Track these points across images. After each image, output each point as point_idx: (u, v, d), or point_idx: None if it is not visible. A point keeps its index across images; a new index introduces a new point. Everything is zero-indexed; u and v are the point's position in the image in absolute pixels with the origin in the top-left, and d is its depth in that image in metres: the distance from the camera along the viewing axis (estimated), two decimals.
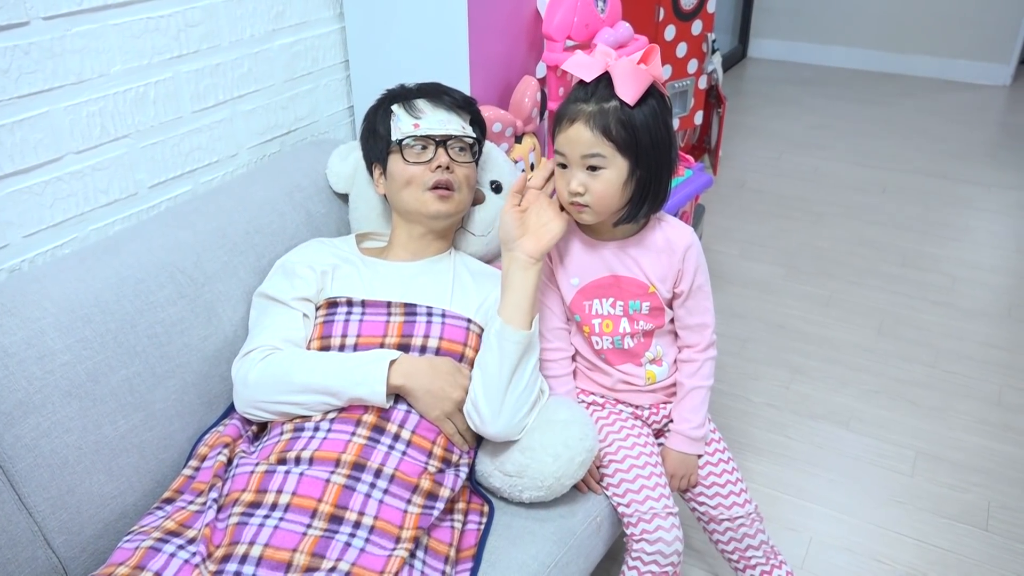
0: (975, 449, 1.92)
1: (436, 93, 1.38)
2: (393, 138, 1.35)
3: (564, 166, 1.20)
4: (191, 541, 1.09)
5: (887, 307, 2.49)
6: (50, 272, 1.21)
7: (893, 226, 2.98)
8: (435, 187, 1.31)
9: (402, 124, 1.34)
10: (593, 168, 1.17)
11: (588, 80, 1.17)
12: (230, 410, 1.32)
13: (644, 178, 1.20)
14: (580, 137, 1.16)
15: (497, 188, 1.53)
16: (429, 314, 1.28)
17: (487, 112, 1.63)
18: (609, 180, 1.17)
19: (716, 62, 3.10)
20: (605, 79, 1.16)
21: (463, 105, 1.39)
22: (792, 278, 2.66)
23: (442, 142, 1.34)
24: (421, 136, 1.33)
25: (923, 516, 1.74)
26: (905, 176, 3.40)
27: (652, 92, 1.17)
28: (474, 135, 1.39)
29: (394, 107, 1.37)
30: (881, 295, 2.55)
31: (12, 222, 1.25)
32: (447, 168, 1.32)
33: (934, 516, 1.74)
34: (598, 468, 1.30)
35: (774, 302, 2.53)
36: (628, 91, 1.14)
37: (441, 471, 1.19)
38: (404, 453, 1.16)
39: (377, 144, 1.40)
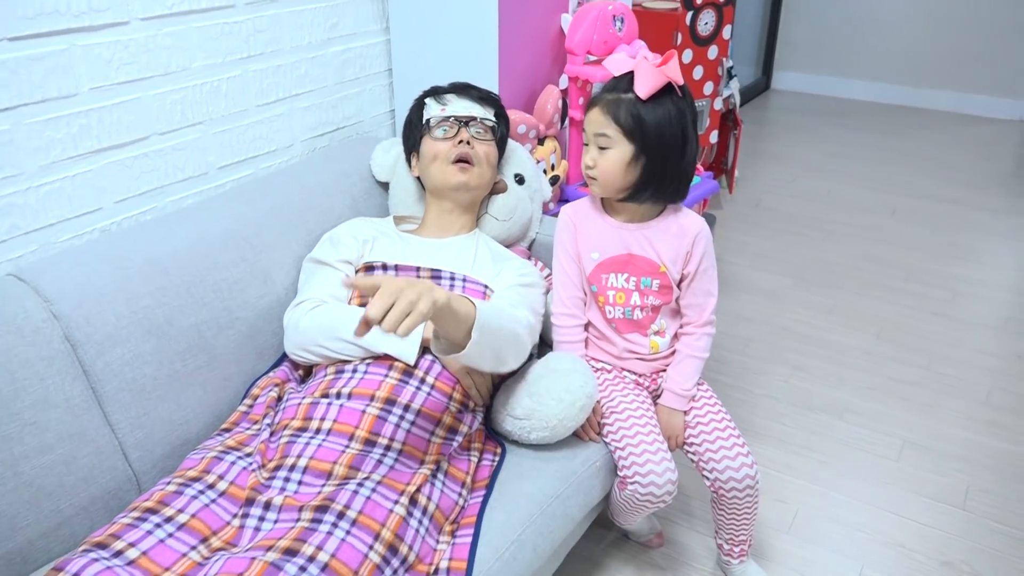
0: (960, 441, 2.06)
1: (464, 88, 1.63)
2: (423, 120, 1.58)
3: (586, 144, 1.42)
4: (248, 455, 1.28)
5: (887, 316, 2.63)
6: (136, 232, 1.42)
7: (900, 245, 3.13)
8: (457, 160, 1.52)
9: (431, 110, 1.59)
10: (602, 147, 1.37)
11: (616, 75, 1.40)
12: (279, 361, 1.52)
13: (647, 166, 1.39)
14: (595, 119, 1.39)
15: (520, 180, 1.73)
16: (452, 278, 1.47)
17: (513, 115, 1.84)
18: (612, 159, 1.37)
19: (733, 87, 3.30)
20: (629, 76, 1.38)
21: (486, 99, 1.63)
22: (799, 288, 2.81)
23: (465, 123, 1.56)
24: (447, 117, 1.55)
25: (905, 496, 1.88)
26: (915, 200, 3.54)
27: (674, 96, 1.37)
28: (494, 120, 1.61)
29: (427, 100, 1.62)
30: (883, 305, 2.70)
31: (106, 189, 1.47)
32: (468, 143, 1.54)
33: (915, 496, 1.88)
34: (600, 421, 1.47)
35: (780, 308, 2.68)
36: (642, 87, 1.35)
37: (460, 411, 1.37)
38: (429, 393, 1.34)
39: (413, 133, 1.63)
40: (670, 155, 1.40)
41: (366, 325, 1.02)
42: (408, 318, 1.02)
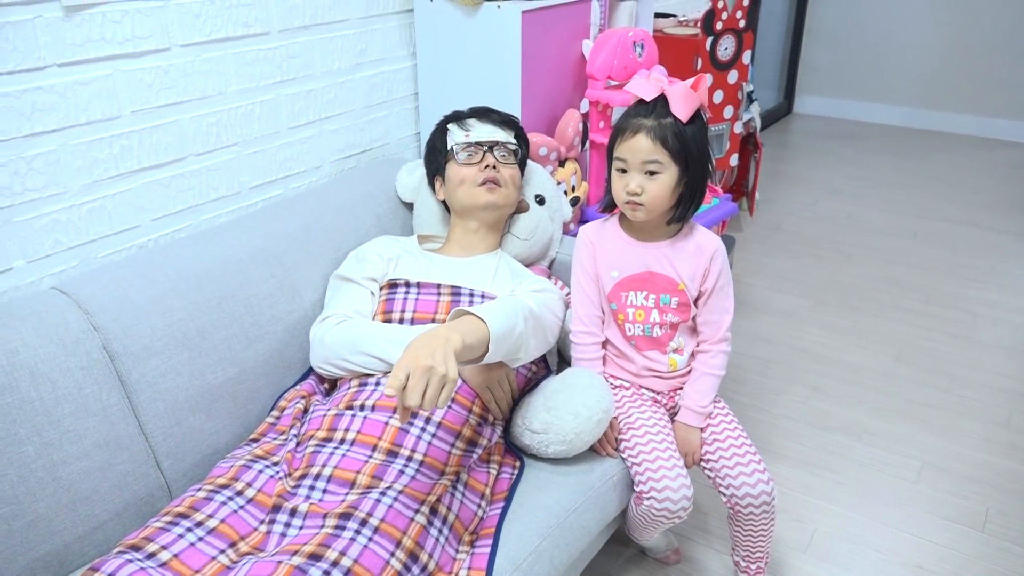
0: (979, 463, 2.06)
1: (484, 112, 1.67)
2: (448, 147, 1.62)
3: (623, 170, 1.44)
4: (275, 464, 1.32)
5: (906, 338, 2.64)
6: (172, 248, 1.49)
7: (919, 267, 3.13)
8: (484, 182, 1.57)
9: (456, 136, 1.63)
10: (651, 172, 1.41)
11: (647, 100, 1.42)
12: (306, 374, 1.57)
13: (691, 183, 1.43)
14: (641, 146, 1.40)
15: (541, 201, 1.78)
16: (471, 295, 1.52)
17: (535, 138, 1.89)
18: (663, 183, 1.41)
19: (754, 111, 3.34)
20: (662, 99, 1.41)
21: (507, 122, 1.68)
22: (818, 309, 2.83)
23: (490, 148, 1.61)
24: (471, 143, 1.60)
25: (923, 517, 1.88)
26: (936, 223, 3.55)
27: (697, 113, 1.42)
28: (516, 143, 1.66)
29: (449, 126, 1.66)
30: (902, 327, 2.70)
31: (144, 207, 1.54)
32: (494, 167, 1.58)
33: (933, 517, 1.88)
34: (617, 436, 1.50)
35: (799, 329, 2.70)
36: (682, 110, 1.39)
37: (480, 424, 1.41)
38: (449, 407, 1.38)
39: (436, 158, 1.68)
40: (705, 172, 1.45)
41: (408, 410, 1.09)
42: (444, 390, 1.09)
